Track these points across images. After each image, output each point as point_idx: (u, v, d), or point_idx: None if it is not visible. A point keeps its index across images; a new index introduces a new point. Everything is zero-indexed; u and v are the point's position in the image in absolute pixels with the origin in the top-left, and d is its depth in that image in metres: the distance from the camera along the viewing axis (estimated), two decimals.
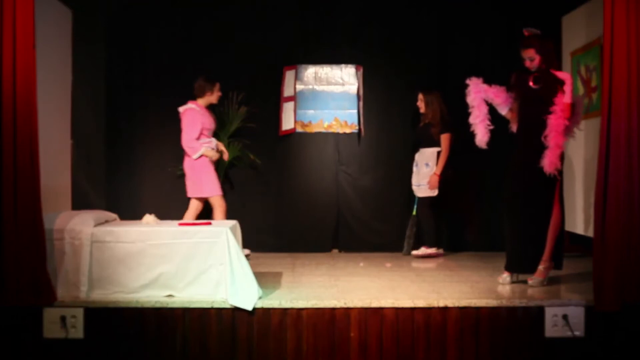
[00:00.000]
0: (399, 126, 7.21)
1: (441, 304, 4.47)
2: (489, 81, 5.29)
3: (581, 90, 6.17)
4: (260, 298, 4.54)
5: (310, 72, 7.25)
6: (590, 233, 4.94)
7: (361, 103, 7.17)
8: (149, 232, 4.67)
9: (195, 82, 6.35)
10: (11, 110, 4.27)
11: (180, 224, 4.86)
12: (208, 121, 6.32)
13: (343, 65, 7.24)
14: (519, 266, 5.14)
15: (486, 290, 4.91)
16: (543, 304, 4.50)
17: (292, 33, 7.19)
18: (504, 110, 5.28)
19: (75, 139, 6.33)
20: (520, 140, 5.13)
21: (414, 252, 6.73)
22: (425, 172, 6.72)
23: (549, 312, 4.47)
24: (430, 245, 6.71)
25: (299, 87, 7.22)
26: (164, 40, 7.10)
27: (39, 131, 4.39)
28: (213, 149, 6.33)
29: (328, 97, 7.26)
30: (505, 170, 5.23)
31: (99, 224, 4.81)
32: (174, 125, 6.99)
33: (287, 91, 7.18)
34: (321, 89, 7.26)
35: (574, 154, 6.28)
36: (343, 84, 7.25)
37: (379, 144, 7.25)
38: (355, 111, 7.22)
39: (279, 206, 7.21)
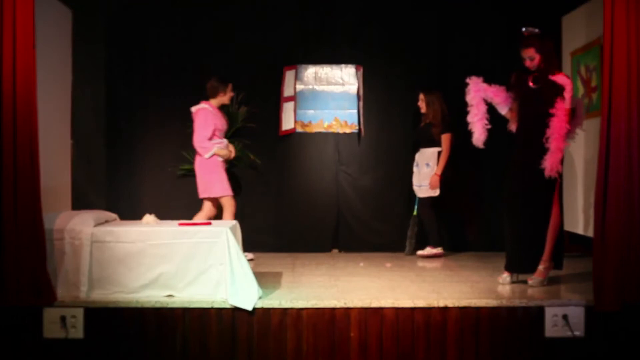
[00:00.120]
0: (399, 126, 7.21)
1: (441, 304, 4.47)
2: (489, 81, 5.29)
3: (581, 90, 6.17)
4: (260, 298, 4.54)
5: (310, 72, 7.25)
6: (590, 233, 4.94)
7: (361, 103, 7.17)
8: (149, 232, 4.67)
9: (207, 83, 6.32)
10: (11, 110, 4.27)
11: (180, 224, 4.86)
12: (220, 122, 6.30)
13: (343, 65, 7.24)
14: (519, 266, 5.15)
15: (486, 290, 4.91)
16: (543, 304, 4.50)
17: (292, 33, 7.19)
18: (503, 110, 5.29)
19: (75, 139, 6.33)
20: (520, 140, 5.13)
21: (419, 252, 6.73)
22: (426, 173, 6.72)
23: (549, 312, 4.47)
24: (435, 246, 6.71)
25: (299, 87, 7.22)
26: (164, 40, 7.10)
27: (39, 131, 4.39)
28: (225, 148, 6.31)
29: (328, 97, 7.26)
30: (505, 170, 5.23)
31: (99, 224, 4.81)
32: (174, 125, 7.02)
33: (287, 91, 7.18)
34: (321, 89, 7.26)
35: (574, 154, 6.28)
36: (343, 84, 7.25)
37: (379, 144, 7.25)
38: (355, 111, 7.22)
39: (279, 206, 7.21)
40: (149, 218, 4.99)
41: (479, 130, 5.23)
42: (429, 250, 6.70)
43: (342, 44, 7.22)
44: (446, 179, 6.69)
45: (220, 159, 6.24)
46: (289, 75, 7.19)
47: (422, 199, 6.77)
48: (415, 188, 6.83)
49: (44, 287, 4.35)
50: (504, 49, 6.82)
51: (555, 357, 4.48)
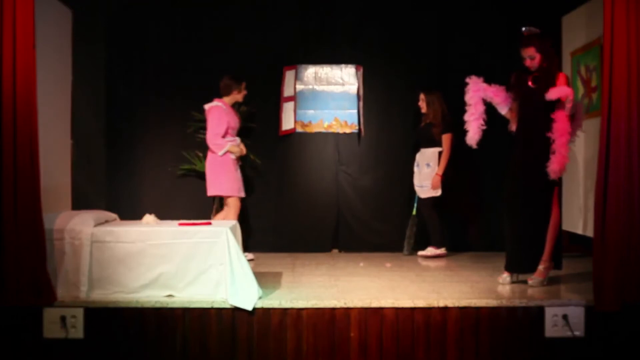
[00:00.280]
0: (399, 126, 7.21)
1: (441, 304, 4.47)
2: (488, 81, 5.30)
3: (581, 90, 6.17)
4: (260, 298, 4.54)
5: (310, 72, 7.25)
6: (590, 233, 4.94)
7: (361, 103, 7.17)
8: (149, 232, 4.67)
9: (220, 81, 6.33)
10: (11, 110, 4.27)
11: (180, 224, 4.86)
12: (233, 119, 6.30)
13: (343, 65, 7.24)
14: (519, 266, 5.15)
15: (486, 290, 4.91)
16: (543, 304, 4.50)
17: (292, 33, 7.18)
18: (503, 110, 5.29)
19: (75, 139, 6.32)
20: (520, 140, 5.13)
21: (421, 253, 6.73)
22: (427, 173, 6.72)
23: (549, 312, 4.47)
24: (438, 246, 6.71)
25: (299, 87, 7.21)
26: (164, 40, 7.10)
27: (39, 131, 4.39)
28: (237, 146, 6.30)
29: (328, 97, 7.25)
30: (505, 170, 5.23)
31: (99, 224, 4.81)
32: (174, 125, 7.02)
33: (287, 91, 7.18)
34: (321, 89, 7.26)
35: (574, 153, 6.27)
36: (343, 84, 7.25)
37: (379, 144, 7.24)
38: (355, 111, 7.22)
39: (279, 206, 7.21)
40: (149, 218, 4.99)
41: (473, 129, 5.24)
42: (431, 251, 6.70)
43: (342, 44, 7.21)
44: (447, 179, 6.69)
45: (233, 157, 6.24)
46: (289, 75, 7.19)
47: (424, 200, 6.76)
48: (416, 188, 6.83)
49: (44, 287, 4.35)
50: (504, 49, 6.82)
51: (555, 357, 4.48)
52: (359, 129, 7.20)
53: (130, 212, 6.04)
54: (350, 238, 7.22)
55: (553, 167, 4.91)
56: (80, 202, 6.20)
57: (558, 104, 4.92)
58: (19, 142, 4.28)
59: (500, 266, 5.33)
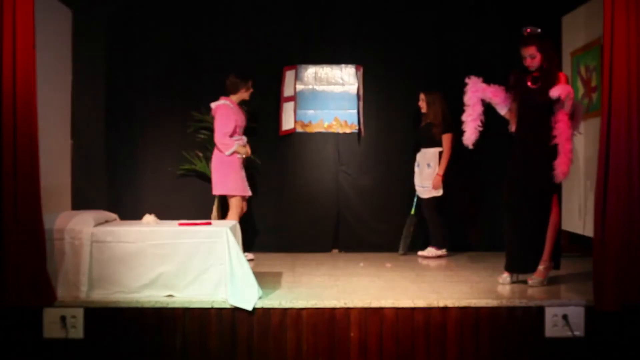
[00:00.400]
0: (399, 126, 7.21)
1: (441, 304, 4.47)
2: (488, 81, 5.30)
3: (581, 90, 6.17)
4: (260, 298, 4.54)
5: (310, 72, 7.25)
6: (590, 233, 4.94)
7: (361, 103, 7.16)
8: (149, 232, 4.67)
9: (227, 79, 6.31)
10: (11, 110, 4.27)
11: (180, 224, 4.86)
12: (240, 118, 6.27)
13: (343, 65, 7.24)
14: (519, 266, 5.14)
15: (486, 290, 4.91)
16: (543, 304, 4.51)
17: (292, 33, 7.18)
18: (503, 110, 5.28)
19: (75, 139, 6.33)
20: (519, 140, 5.12)
21: (421, 253, 6.73)
22: (427, 173, 6.71)
23: (549, 312, 4.47)
24: (439, 247, 6.71)
25: (299, 87, 7.21)
26: (164, 40, 7.09)
27: (39, 131, 4.39)
28: (244, 146, 6.29)
29: (328, 97, 7.25)
30: (505, 170, 5.23)
31: (99, 224, 4.81)
32: (174, 125, 7.02)
33: (287, 91, 7.18)
34: (321, 89, 7.26)
35: (576, 152, 6.26)
36: (343, 84, 7.25)
37: (379, 144, 7.24)
38: (355, 111, 7.22)
39: (279, 206, 7.21)
40: (149, 218, 4.99)
41: (470, 130, 5.24)
42: (432, 252, 6.70)
43: (342, 44, 7.21)
44: (447, 179, 6.69)
45: (239, 156, 6.22)
46: (289, 75, 7.18)
47: (426, 200, 6.75)
48: (418, 189, 6.83)
49: (44, 287, 4.35)
50: (504, 48, 6.82)
51: (555, 357, 4.48)
52: (359, 129, 7.20)
53: (131, 212, 6.04)
54: (350, 238, 7.21)
55: (560, 169, 4.90)
56: (80, 202, 6.20)
57: (557, 103, 4.92)
58: (19, 142, 4.28)
59: (500, 266, 5.33)
